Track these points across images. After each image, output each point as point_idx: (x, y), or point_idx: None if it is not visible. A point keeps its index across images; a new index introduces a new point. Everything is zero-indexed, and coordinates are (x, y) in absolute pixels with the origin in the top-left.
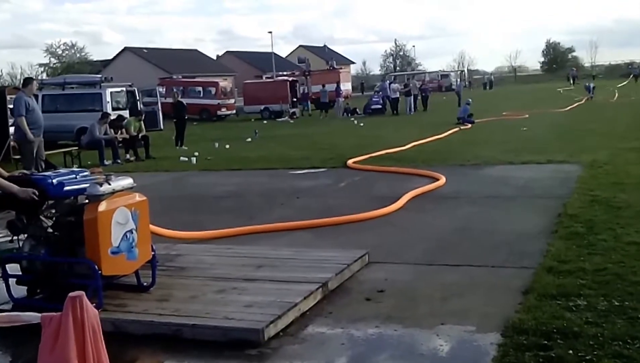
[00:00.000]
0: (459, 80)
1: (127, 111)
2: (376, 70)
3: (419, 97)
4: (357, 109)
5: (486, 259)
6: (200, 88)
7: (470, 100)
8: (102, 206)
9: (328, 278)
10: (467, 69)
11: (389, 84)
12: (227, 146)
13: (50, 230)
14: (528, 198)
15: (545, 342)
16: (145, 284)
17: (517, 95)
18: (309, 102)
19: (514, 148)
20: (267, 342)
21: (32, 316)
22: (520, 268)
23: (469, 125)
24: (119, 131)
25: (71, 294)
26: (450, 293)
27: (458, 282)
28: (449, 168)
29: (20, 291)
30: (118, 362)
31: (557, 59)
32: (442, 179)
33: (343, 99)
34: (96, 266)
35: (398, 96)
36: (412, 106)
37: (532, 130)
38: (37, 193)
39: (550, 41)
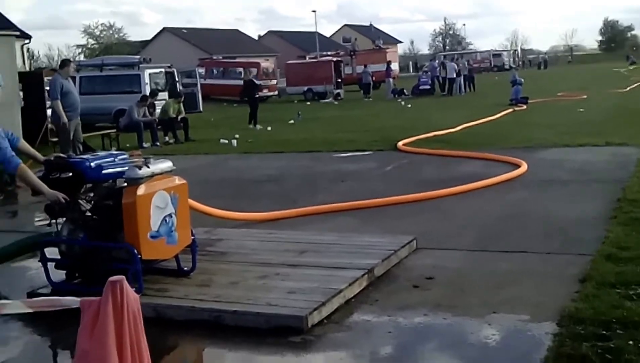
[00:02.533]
0: (511, 64)
1: (166, 93)
2: (424, 49)
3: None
4: (405, 90)
5: (540, 246)
6: (241, 69)
7: (522, 80)
8: (141, 190)
9: (374, 264)
10: (521, 49)
11: (444, 63)
12: (269, 128)
13: (88, 214)
14: (585, 182)
15: (604, 332)
16: (185, 269)
17: (573, 75)
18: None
19: (570, 130)
20: (310, 329)
21: (72, 301)
22: (576, 255)
23: (524, 106)
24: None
25: (111, 279)
26: (503, 280)
27: (511, 270)
28: (500, 152)
29: (59, 275)
30: (159, 347)
31: (615, 37)
32: (524, 166)
33: (393, 79)
34: (135, 251)
35: (455, 75)
36: (462, 86)
37: (589, 111)
38: (67, 199)
39: (608, 19)
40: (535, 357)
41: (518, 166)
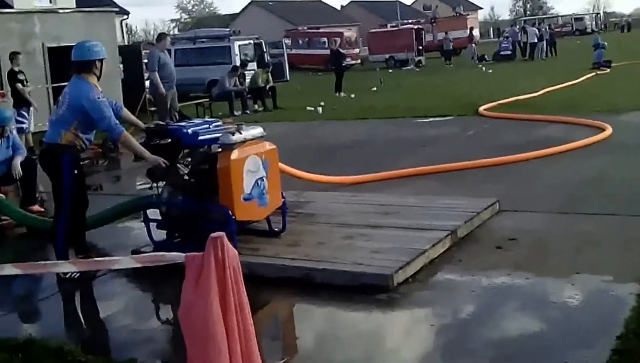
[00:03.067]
0: (593, 27)
1: (255, 63)
2: (505, 15)
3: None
4: (486, 56)
5: (624, 208)
6: (324, 39)
7: (605, 43)
8: (235, 155)
9: (457, 226)
10: (603, 12)
11: (525, 28)
12: (353, 96)
13: (186, 178)
14: None
15: None
16: (276, 229)
17: None
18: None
19: None
20: (396, 287)
21: (177, 256)
22: None
23: (607, 69)
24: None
25: (213, 235)
26: (586, 242)
27: (594, 231)
28: (580, 116)
29: (160, 235)
30: (252, 302)
31: None
32: (608, 130)
33: (475, 45)
34: (230, 212)
35: (536, 40)
36: (545, 51)
37: None
38: (166, 163)
39: None
40: (619, 317)
41: (602, 129)
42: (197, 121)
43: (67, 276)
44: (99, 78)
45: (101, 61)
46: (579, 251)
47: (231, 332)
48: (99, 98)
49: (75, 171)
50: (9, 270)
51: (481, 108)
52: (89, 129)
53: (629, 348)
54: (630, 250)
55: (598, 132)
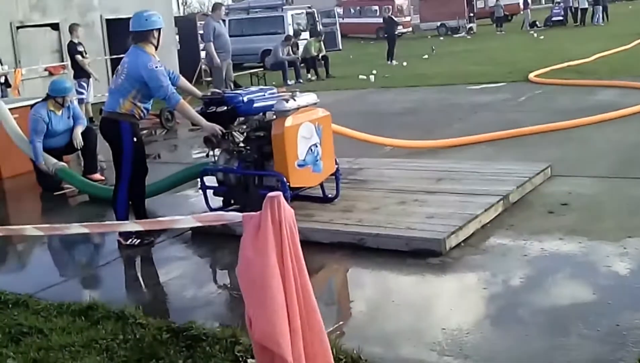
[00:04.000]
0: None
1: (308, 33)
2: None
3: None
4: (537, 22)
5: None
6: (376, 7)
7: None
8: (289, 121)
9: (509, 191)
10: None
11: None
12: (405, 64)
13: (242, 145)
14: None
15: None
16: (330, 196)
17: None
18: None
19: None
20: (448, 251)
21: (235, 216)
22: None
23: None
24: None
25: (270, 194)
26: (639, 206)
27: None
28: (636, 78)
29: (216, 202)
30: (307, 267)
31: None
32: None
33: (530, 10)
34: (284, 178)
35: (586, 5)
36: (601, 17)
37: None
38: (222, 130)
39: None
40: None
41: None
42: (252, 88)
43: (128, 242)
44: (156, 48)
45: (159, 30)
46: (632, 215)
47: (289, 290)
48: (156, 67)
49: (135, 139)
50: (76, 229)
51: (531, 75)
52: (146, 98)
53: None
54: None
55: None
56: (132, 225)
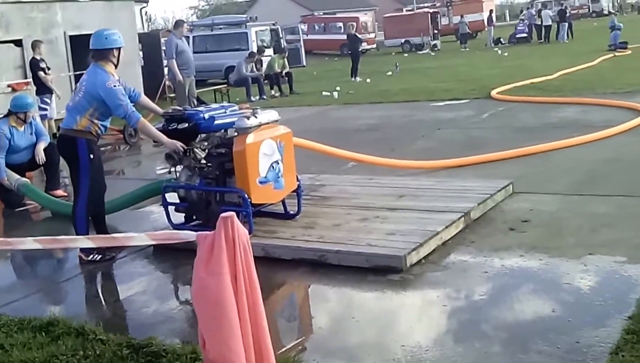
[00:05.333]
0: (610, 9)
1: (272, 49)
2: None
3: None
4: (502, 39)
5: (638, 190)
6: (340, 24)
7: (621, 25)
8: (250, 138)
9: (470, 208)
10: None
11: (540, 10)
12: (368, 80)
13: (203, 162)
14: None
15: None
16: (291, 212)
17: None
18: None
19: None
20: (409, 268)
21: (189, 234)
22: None
23: (627, 50)
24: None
25: (223, 214)
26: (599, 223)
27: (608, 213)
28: (599, 96)
29: (178, 218)
30: (268, 283)
31: None
32: None
33: (494, 27)
34: (246, 195)
35: (551, 23)
36: (565, 33)
37: None
38: (184, 147)
39: None
40: (631, 297)
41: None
42: (214, 105)
43: (90, 258)
44: (116, 66)
45: (119, 49)
46: (593, 232)
47: (242, 309)
48: (115, 86)
49: (92, 156)
50: (30, 244)
51: (493, 92)
52: (104, 116)
53: None
54: None
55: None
56: (85, 241)
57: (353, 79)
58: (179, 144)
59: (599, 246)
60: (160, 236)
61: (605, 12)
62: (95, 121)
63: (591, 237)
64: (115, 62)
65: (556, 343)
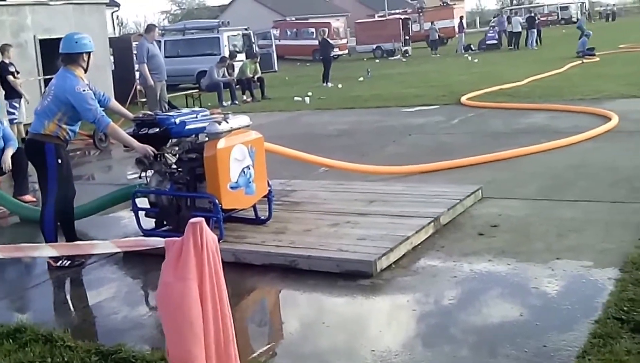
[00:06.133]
0: (578, 16)
1: (244, 54)
2: (491, 5)
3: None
4: (472, 45)
5: (605, 195)
6: (313, 29)
7: (590, 32)
8: (221, 144)
9: (440, 213)
10: (588, 1)
11: (510, 17)
12: (340, 86)
13: (174, 167)
14: None
15: None
16: (262, 217)
17: None
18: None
19: (637, 82)
20: (379, 273)
21: (157, 241)
22: None
23: (595, 57)
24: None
25: (192, 220)
26: (567, 228)
27: (575, 218)
28: (566, 103)
29: (149, 223)
30: (238, 289)
31: None
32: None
33: (464, 34)
34: (217, 200)
35: (520, 30)
36: (534, 40)
37: None
38: (155, 151)
39: None
40: (597, 301)
41: (609, 119)
42: (185, 110)
43: (59, 263)
44: (86, 70)
45: (89, 53)
46: (560, 237)
47: (207, 316)
48: (84, 90)
49: (59, 161)
50: None
51: (463, 98)
52: (73, 120)
53: (606, 333)
54: (610, 235)
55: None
56: (47, 250)
57: (325, 84)
58: (149, 149)
59: (566, 251)
60: (127, 243)
61: (574, 19)
62: (64, 126)
63: (558, 242)
64: (85, 67)
65: (523, 347)
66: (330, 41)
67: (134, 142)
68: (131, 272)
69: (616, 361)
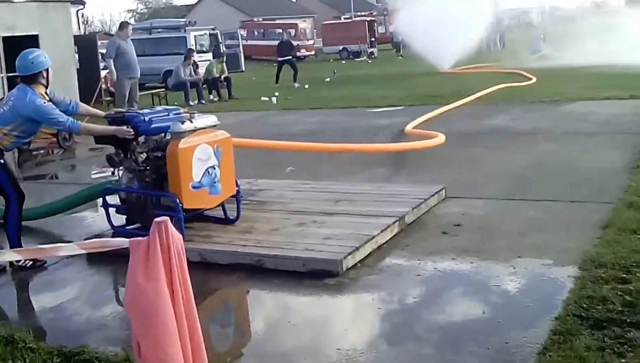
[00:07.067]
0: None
1: (210, 54)
2: None
3: None
4: None
5: (565, 194)
6: (280, 30)
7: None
8: (183, 143)
9: (405, 212)
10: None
11: None
12: (307, 86)
13: (143, 165)
14: (609, 134)
15: (624, 276)
16: (231, 217)
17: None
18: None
19: (596, 84)
20: (345, 272)
21: (121, 242)
22: (600, 203)
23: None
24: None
25: (157, 219)
26: (528, 227)
27: (536, 217)
28: (528, 105)
29: (120, 220)
30: (204, 288)
31: None
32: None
33: None
34: (178, 200)
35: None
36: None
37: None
38: (131, 131)
39: None
40: (557, 299)
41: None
42: (158, 108)
43: (20, 263)
44: (47, 86)
45: (47, 69)
46: (522, 236)
47: (178, 315)
48: (44, 103)
49: (2, 161)
50: None
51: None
52: (26, 133)
53: (566, 329)
54: (570, 234)
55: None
56: (12, 255)
57: (277, 84)
58: (125, 129)
59: (528, 249)
60: (91, 244)
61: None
62: (12, 136)
63: (520, 240)
64: (46, 83)
65: (486, 344)
66: (292, 42)
67: (110, 128)
68: (95, 272)
69: (576, 357)
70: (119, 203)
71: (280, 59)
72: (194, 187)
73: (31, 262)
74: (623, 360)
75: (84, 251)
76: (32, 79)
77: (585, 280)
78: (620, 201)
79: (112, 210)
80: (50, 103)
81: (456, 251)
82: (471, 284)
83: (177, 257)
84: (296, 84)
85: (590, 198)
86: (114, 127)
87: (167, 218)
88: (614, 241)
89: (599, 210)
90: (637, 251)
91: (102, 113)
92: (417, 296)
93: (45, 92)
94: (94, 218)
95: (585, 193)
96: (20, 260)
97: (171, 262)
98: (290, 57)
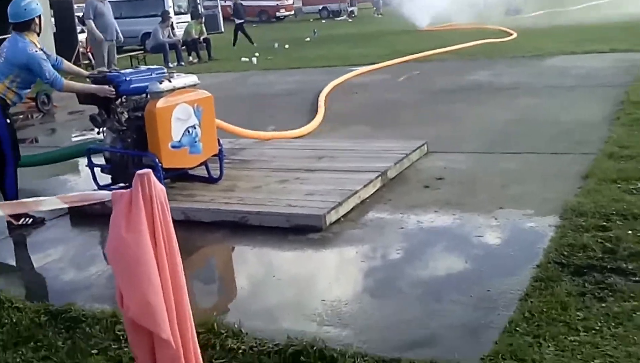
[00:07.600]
0: None
1: (189, 15)
2: None
3: None
4: None
5: (546, 147)
6: None
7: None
8: (161, 103)
9: (387, 167)
10: None
11: None
12: (287, 47)
13: (124, 125)
14: (590, 87)
15: (604, 224)
16: (215, 176)
17: None
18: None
19: (577, 39)
20: (328, 227)
21: (103, 194)
22: (580, 154)
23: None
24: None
25: (139, 171)
26: (510, 179)
27: (517, 169)
28: (509, 60)
29: (105, 179)
30: (189, 246)
31: None
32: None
33: None
34: (157, 159)
35: None
36: None
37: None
38: (113, 90)
39: None
40: (538, 247)
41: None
42: (142, 68)
43: (20, 221)
44: (39, 34)
45: (39, 16)
46: (503, 188)
47: (161, 267)
48: (36, 51)
49: (8, 121)
50: None
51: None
52: (25, 84)
53: (547, 276)
54: (550, 185)
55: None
56: None
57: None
58: (107, 88)
59: (509, 201)
60: (73, 198)
61: None
62: (13, 89)
63: (501, 192)
64: (38, 31)
65: (469, 293)
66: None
67: (92, 86)
68: (79, 233)
69: (557, 302)
70: (104, 163)
71: (237, 22)
72: (173, 146)
73: (31, 219)
74: (603, 304)
75: (66, 205)
76: (24, 26)
77: (566, 228)
78: (601, 151)
79: (97, 170)
80: (41, 52)
81: (438, 204)
82: (454, 236)
83: (160, 209)
84: (276, 45)
85: (571, 149)
86: (95, 85)
87: (149, 170)
88: (595, 190)
89: (579, 161)
90: (617, 200)
91: (85, 72)
92: (400, 249)
93: (37, 41)
94: (86, 180)
95: (566, 145)
96: (20, 218)
97: (154, 214)
98: (242, 20)
